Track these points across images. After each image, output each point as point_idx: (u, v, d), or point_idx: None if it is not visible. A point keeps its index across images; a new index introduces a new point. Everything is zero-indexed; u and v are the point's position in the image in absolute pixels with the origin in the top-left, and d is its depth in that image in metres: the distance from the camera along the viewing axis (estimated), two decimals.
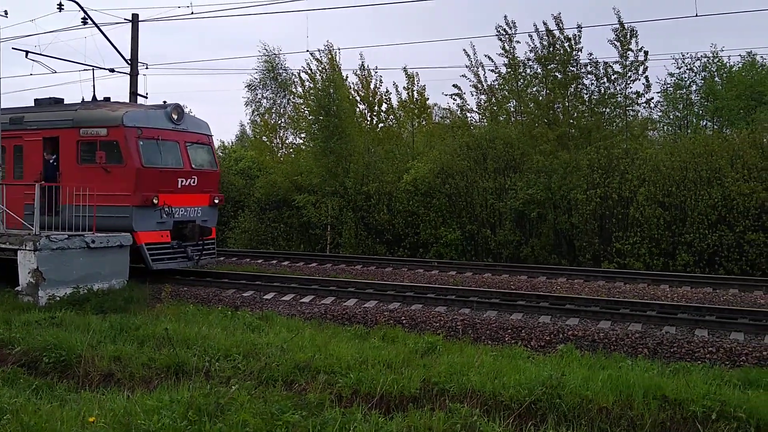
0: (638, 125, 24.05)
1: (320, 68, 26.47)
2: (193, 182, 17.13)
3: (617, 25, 22.06)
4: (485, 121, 25.74)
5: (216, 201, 17.85)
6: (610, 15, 24.48)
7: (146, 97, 23.91)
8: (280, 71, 33.37)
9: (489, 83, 25.14)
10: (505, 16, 26.93)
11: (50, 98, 18.43)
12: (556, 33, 22.67)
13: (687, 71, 30.44)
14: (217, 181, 18.62)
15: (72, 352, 9.18)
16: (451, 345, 10.21)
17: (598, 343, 10.90)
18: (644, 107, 23.92)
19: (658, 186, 19.80)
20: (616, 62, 22.35)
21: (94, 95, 19.31)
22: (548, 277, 17.20)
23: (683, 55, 30.28)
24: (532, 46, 23.17)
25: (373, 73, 28.17)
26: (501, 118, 24.95)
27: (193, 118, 18.31)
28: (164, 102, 17.63)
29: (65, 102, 18.55)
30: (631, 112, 23.57)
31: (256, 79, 34.19)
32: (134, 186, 15.75)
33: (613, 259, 20.09)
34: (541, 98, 23.60)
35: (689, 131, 27.98)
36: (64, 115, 16.91)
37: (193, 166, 17.30)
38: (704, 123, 29.95)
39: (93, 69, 22.92)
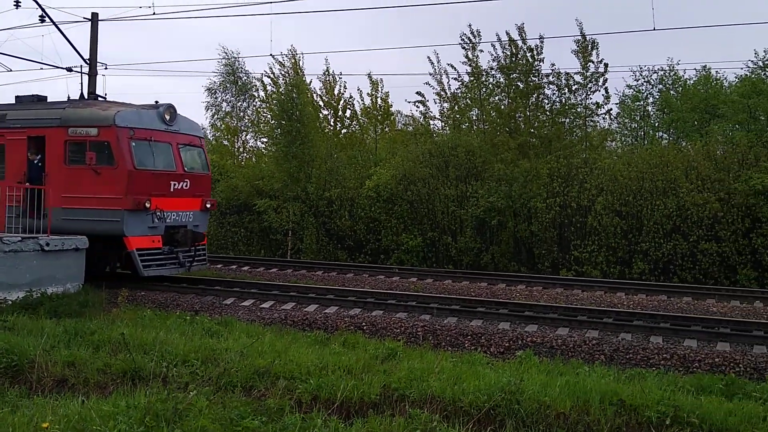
0: (597, 135, 24.53)
1: (283, 72, 26.38)
2: (186, 186, 16.56)
3: (579, 37, 22.50)
4: (448, 128, 25.96)
5: (208, 205, 17.33)
6: (573, 26, 24.88)
7: (104, 98, 23.47)
8: (240, 75, 33.09)
9: (452, 91, 25.39)
10: (470, 25, 27.18)
11: (33, 95, 17.67)
12: (519, 43, 23.00)
13: (644, 83, 31.19)
14: (209, 184, 18.11)
15: (24, 357, 8.92)
16: (412, 351, 10.24)
17: (556, 349, 11.05)
18: (603, 118, 24.45)
19: (615, 195, 20.21)
20: (577, 73, 22.79)
21: (82, 93, 18.44)
22: (508, 284, 17.38)
23: (641, 68, 30.99)
24: (495, 55, 23.49)
25: (337, 78, 28.24)
26: (463, 126, 25.18)
27: (185, 119, 17.77)
28: (156, 102, 17.14)
29: (49, 100, 17.91)
30: (591, 123, 24.04)
31: (216, 82, 33.86)
32: (125, 189, 15.11)
33: (572, 267, 20.42)
34: (503, 107, 23.91)
35: (646, 142, 28.63)
36: (51, 114, 16.15)
37: (186, 169, 16.76)
38: (660, 134, 30.68)
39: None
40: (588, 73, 22.67)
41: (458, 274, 18.97)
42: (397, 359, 9.49)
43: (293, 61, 26.27)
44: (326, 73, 28.16)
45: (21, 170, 15.97)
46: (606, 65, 22.59)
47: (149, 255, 15.55)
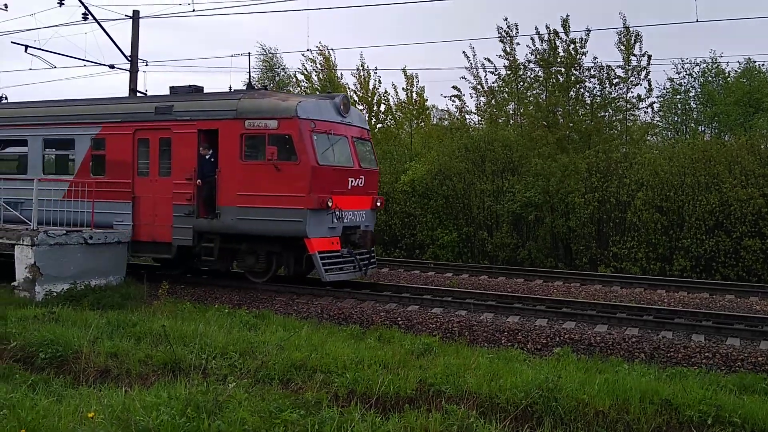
0: (638, 130, 24.12)
1: (315, 68, 26.47)
2: (361, 183, 15.20)
3: (622, 29, 22.14)
4: (484, 123, 25.79)
5: (378, 204, 15.91)
6: (611, 19, 24.49)
7: (145, 94, 23.89)
8: (278, 70, 33.37)
9: (489, 85, 25.22)
10: (506, 18, 26.92)
11: (189, 86, 16.50)
12: (562, 35, 22.71)
13: (686, 76, 30.57)
14: (378, 181, 16.76)
15: (69, 348, 9.18)
16: (448, 347, 10.23)
17: (594, 346, 10.92)
18: (645, 112, 24.04)
19: (656, 191, 19.84)
20: (618, 66, 22.43)
21: (249, 82, 17.45)
22: (545, 281, 17.22)
23: (683, 61, 30.38)
24: (534, 48, 23.23)
25: (372, 73, 28.26)
26: (500, 121, 25.00)
27: (356, 111, 16.41)
28: (329, 92, 16.36)
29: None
30: (632, 117, 23.65)
31: (255, 78, 34.20)
32: (309, 186, 13.82)
33: (610, 263, 20.13)
34: (541, 101, 23.65)
35: (687, 137, 28.06)
36: (225, 105, 14.87)
37: (361, 164, 15.38)
38: (702, 128, 30.05)
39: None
40: (630, 66, 22.31)
41: (494, 270, 18.86)
42: (432, 355, 9.50)
43: (325, 56, 26.35)
44: (360, 68, 28.22)
45: (190, 166, 14.95)
46: (649, 57, 22.23)
47: (330, 258, 14.32)
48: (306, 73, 27.14)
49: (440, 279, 17.63)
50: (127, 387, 7.40)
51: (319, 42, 34.63)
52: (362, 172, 15.32)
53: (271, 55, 33.35)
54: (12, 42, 20.75)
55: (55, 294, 13.60)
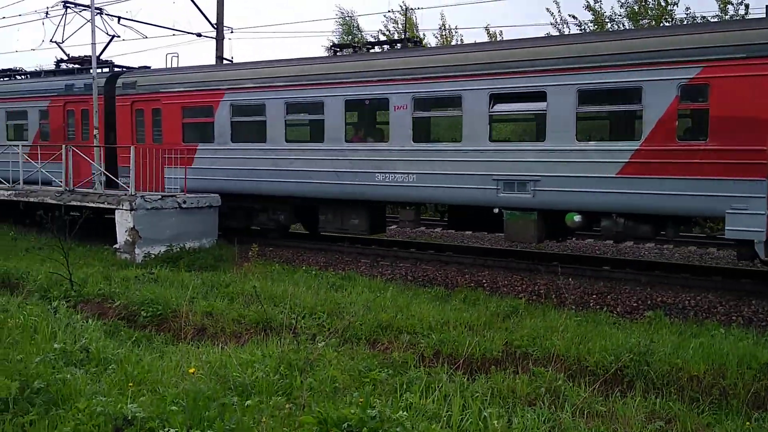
0: None
1: (397, 29, 26.29)
2: None
3: None
4: None
5: None
6: None
7: (231, 61, 24.40)
8: (356, 33, 33.27)
9: None
10: None
11: None
12: None
13: None
14: None
15: (167, 307, 9.66)
16: (534, 309, 10.13)
17: (689, 310, 10.55)
18: None
19: None
20: (715, 16, 21.15)
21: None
22: (635, 242, 16.70)
23: None
24: (622, 1, 22.22)
25: (453, 33, 27.82)
26: None
27: None
28: None
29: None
30: None
31: (335, 42, 34.26)
32: None
33: (706, 224, 19.26)
34: None
35: None
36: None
37: None
38: None
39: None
40: (727, 16, 20.99)
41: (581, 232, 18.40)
42: (519, 317, 9.44)
43: (406, 16, 26.12)
44: (442, 27, 27.81)
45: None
46: (747, 6, 20.84)
47: None
48: (387, 34, 27.03)
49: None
50: (223, 344, 7.74)
51: (403, 2, 34.19)
52: None
53: (349, 17, 33.26)
54: (106, 14, 21.48)
55: (153, 256, 14.28)
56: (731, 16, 20.98)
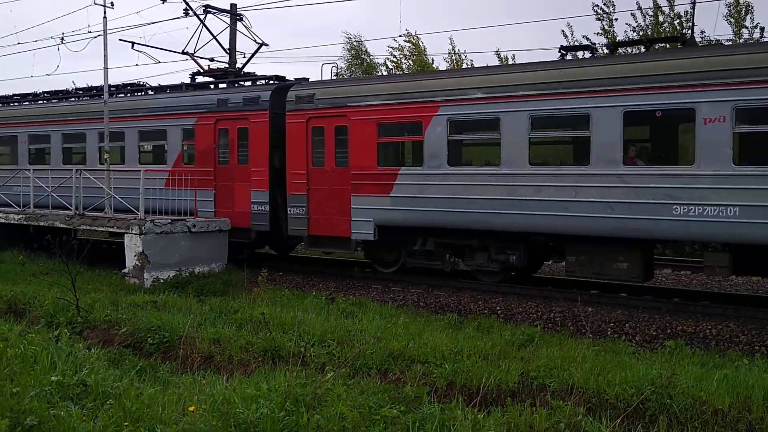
0: None
1: (404, 55, 26.35)
2: None
3: (731, 0, 20.68)
4: None
5: None
6: None
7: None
8: (364, 57, 33.35)
9: None
10: None
11: None
12: (666, 9, 21.50)
13: None
14: None
15: (174, 334, 9.46)
16: (550, 338, 9.85)
17: (710, 339, 10.21)
18: None
19: None
20: (728, 40, 20.95)
21: None
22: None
23: None
24: (636, 24, 22.10)
25: (463, 57, 27.81)
26: None
27: None
28: None
29: None
30: None
31: (342, 67, 34.35)
32: None
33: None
34: None
35: None
36: None
37: None
38: None
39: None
40: (741, 40, 20.80)
41: None
42: (534, 346, 9.17)
43: (413, 42, 26.19)
44: (452, 52, 27.83)
45: None
46: (762, 29, 20.64)
47: None
48: (395, 60, 27.12)
49: (546, 266, 17.07)
50: (228, 374, 7.52)
51: (405, 29, 34.43)
52: None
53: (357, 42, 33.33)
54: (120, 39, 21.54)
55: (162, 281, 14.12)
56: (745, 41, 20.79)
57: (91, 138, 19.41)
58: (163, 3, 23.16)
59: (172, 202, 15.85)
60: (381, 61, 31.14)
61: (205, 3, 19.38)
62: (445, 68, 27.64)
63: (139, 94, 19.78)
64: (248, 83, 17.72)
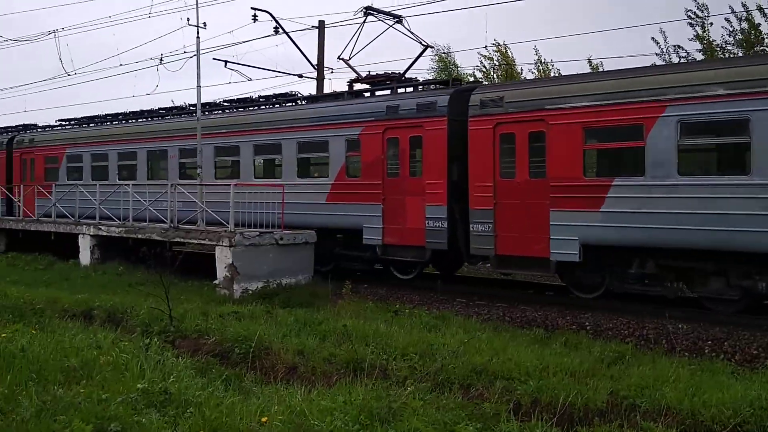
0: None
1: (492, 66, 26.13)
2: None
3: None
4: None
5: None
6: None
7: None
8: (452, 68, 33.28)
9: None
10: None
11: None
12: (766, 10, 20.36)
13: None
14: None
15: (260, 345, 9.63)
16: (642, 355, 9.42)
17: None
18: None
19: None
20: None
21: None
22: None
23: None
24: (732, 29, 21.05)
25: (550, 66, 27.29)
26: None
27: None
28: None
29: None
30: None
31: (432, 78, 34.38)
32: None
33: None
34: None
35: None
36: None
37: None
38: None
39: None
40: None
41: None
42: (625, 364, 8.78)
43: (502, 52, 25.95)
44: (538, 62, 27.37)
45: None
46: None
47: None
48: (485, 69, 26.91)
49: None
50: (311, 385, 7.57)
51: (494, 39, 34.13)
52: None
53: (445, 54, 33.28)
54: (213, 59, 22.39)
55: (250, 292, 14.48)
56: None
57: (245, 150, 18.83)
58: (254, 22, 23.99)
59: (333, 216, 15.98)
60: (469, 71, 31.02)
61: (366, 5, 18.98)
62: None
63: (289, 104, 19.17)
64: (418, 89, 16.56)
